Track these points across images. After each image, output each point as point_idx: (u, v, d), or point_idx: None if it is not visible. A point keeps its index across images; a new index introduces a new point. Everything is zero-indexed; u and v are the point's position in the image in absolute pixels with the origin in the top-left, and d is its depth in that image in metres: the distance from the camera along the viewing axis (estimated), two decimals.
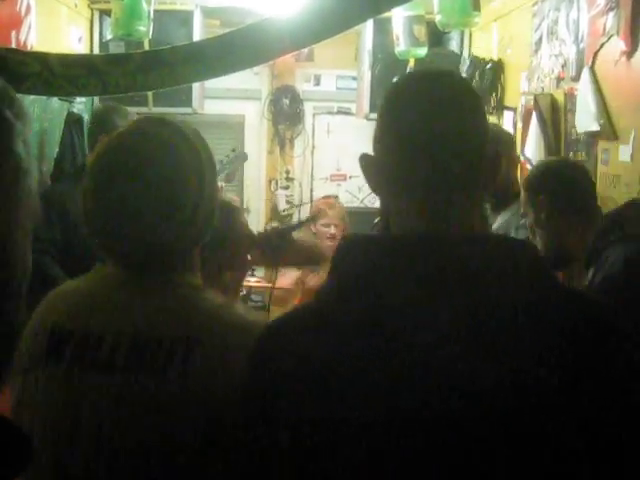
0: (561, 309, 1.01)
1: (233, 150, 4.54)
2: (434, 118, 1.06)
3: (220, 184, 3.71)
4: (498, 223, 3.17)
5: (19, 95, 0.71)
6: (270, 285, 4.41)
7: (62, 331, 1.32)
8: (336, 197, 5.32)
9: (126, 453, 1.25)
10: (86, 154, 3.77)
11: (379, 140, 1.13)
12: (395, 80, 1.23)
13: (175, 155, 1.32)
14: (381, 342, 0.96)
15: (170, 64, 2.08)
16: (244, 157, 4.27)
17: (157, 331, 1.27)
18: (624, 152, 2.55)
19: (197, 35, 4.39)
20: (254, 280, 3.97)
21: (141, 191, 1.29)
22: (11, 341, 0.70)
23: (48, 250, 3.22)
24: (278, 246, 2.79)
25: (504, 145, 3.17)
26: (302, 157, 5.69)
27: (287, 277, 4.58)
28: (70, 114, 3.98)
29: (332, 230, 4.55)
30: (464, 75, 4.43)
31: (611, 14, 2.66)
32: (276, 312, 4.97)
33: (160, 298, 1.32)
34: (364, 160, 1.15)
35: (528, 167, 3.38)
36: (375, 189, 1.14)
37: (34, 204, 0.70)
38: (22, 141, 0.67)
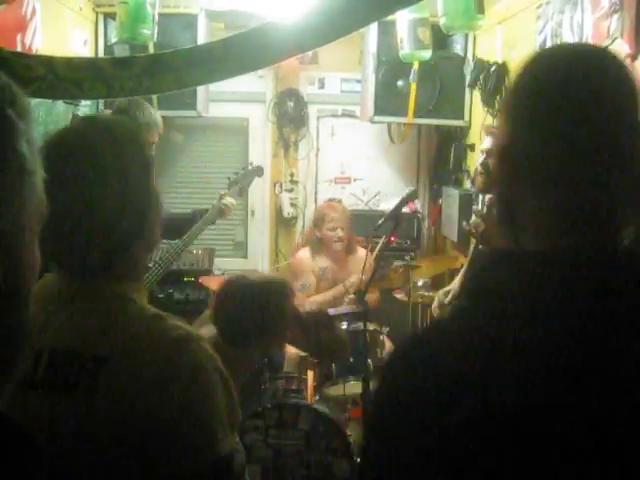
0: None
1: (250, 164, 4.45)
2: (589, 112, 0.91)
3: (223, 191, 3.71)
4: None
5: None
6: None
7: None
8: (339, 200, 5.34)
9: None
10: None
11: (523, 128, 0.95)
12: (542, 59, 0.98)
13: (95, 157, 1.31)
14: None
15: (175, 67, 2.09)
16: (259, 172, 4.18)
17: (72, 347, 1.26)
18: None
19: (201, 38, 4.40)
20: None
21: (63, 194, 1.25)
22: (22, 339, 0.70)
23: (47, 250, 3.22)
24: (319, 337, 2.84)
25: None
26: (306, 160, 5.69)
27: None
28: (75, 117, 4.00)
29: (339, 233, 4.56)
30: (468, 78, 4.45)
31: (615, 17, 2.66)
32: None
33: (83, 311, 1.30)
34: (506, 152, 0.97)
35: None
36: (504, 180, 0.98)
37: (41, 205, 0.70)
38: (26, 141, 0.66)
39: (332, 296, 4.48)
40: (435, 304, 3.91)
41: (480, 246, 3.25)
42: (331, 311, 3.58)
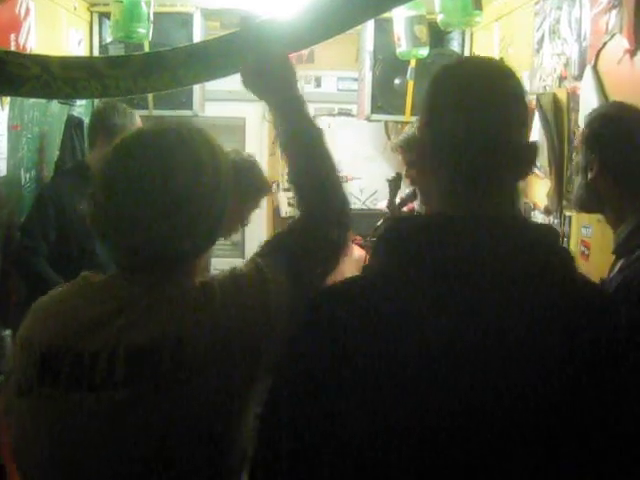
0: (578, 303, 1.07)
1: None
2: (479, 109, 1.12)
3: None
4: None
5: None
6: None
7: (54, 351, 1.26)
8: None
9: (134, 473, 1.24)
10: (86, 154, 3.76)
11: (428, 125, 1.18)
12: (443, 67, 1.24)
13: (194, 154, 1.31)
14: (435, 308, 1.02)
15: (171, 66, 2.06)
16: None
17: (147, 342, 1.24)
18: None
19: (197, 37, 4.38)
20: None
21: (140, 195, 1.27)
22: None
23: (39, 249, 3.21)
24: None
25: None
26: None
27: None
28: (70, 117, 3.98)
29: (358, 252, 4.51)
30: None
31: (614, 12, 2.64)
32: None
33: (150, 307, 1.28)
34: (419, 145, 1.21)
35: None
36: (421, 172, 1.23)
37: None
38: None
39: None
40: None
41: None
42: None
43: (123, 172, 1.30)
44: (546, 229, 1.17)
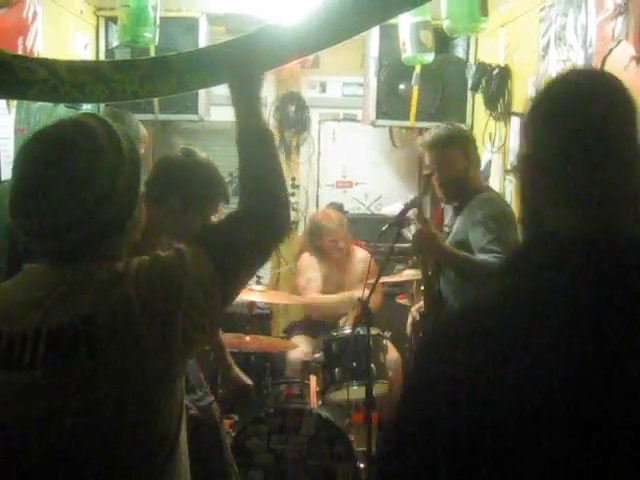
0: None
1: None
2: (593, 129, 1.09)
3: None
4: (456, 226, 3.17)
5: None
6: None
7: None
8: (336, 206, 5.30)
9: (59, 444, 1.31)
10: None
11: (540, 139, 1.14)
12: (558, 82, 1.20)
13: (92, 138, 1.38)
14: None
15: (177, 70, 2.07)
16: None
17: (65, 322, 1.31)
18: None
19: (202, 42, 4.40)
20: (259, 288, 3.95)
21: (53, 171, 1.34)
22: None
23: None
24: None
25: (463, 143, 3.18)
26: (308, 164, 5.68)
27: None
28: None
29: (340, 245, 4.53)
30: (470, 81, 4.43)
31: (620, 19, 2.65)
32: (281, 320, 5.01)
33: (72, 290, 1.35)
34: (528, 162, 1.15)
35: None
36: (531, 192, 1.15)
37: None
38: None
39: (336, 300, 4.46)
40: (409, 321, 3.84)
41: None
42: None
43: (26, 159, 1.40)
44: None
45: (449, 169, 3.16)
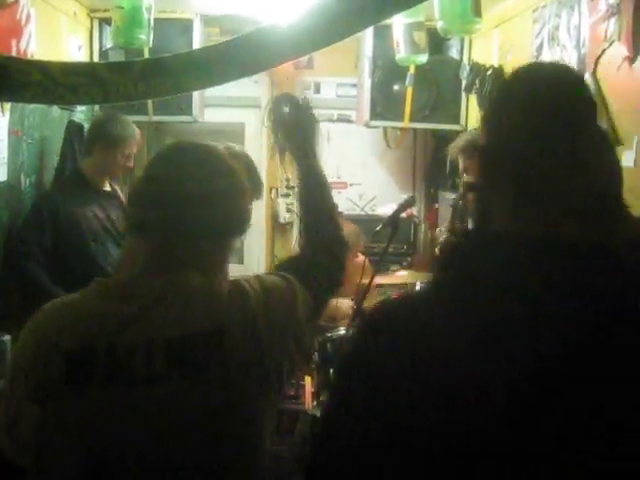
0: None
1: None
2: (557, 118, 1.05)
3: None
4: None
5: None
6: None
7: (81, 351, 1.29)
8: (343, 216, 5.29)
9: (181, 460, 1.29)
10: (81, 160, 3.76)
11: (497, 129, 1.10)
12: (511, 75, 1.16)
13: (221, 162, 1.47)
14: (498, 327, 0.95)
15: (172, 72, 2.07)
16: None
17: (186, 331, 1.31)
18: (627, 158, 2.54)
19: (197, 43, 4.40)
20: None
21: (181, 195, 1.38)
22: None
23: (33, 255, 3.21)
24: None
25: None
26: None
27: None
28: (71, 123, 3.98)
29: (359, 257, 4.43)
30: (464, 82, 4.44)
31: (612, 20, 2.66)
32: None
33: (180, 300, 1.35)
34: (486, 151, 1.12)
35: None
36: (484, 176, 1.13)
37: None
38: None
39: (336, 308, 4.44)
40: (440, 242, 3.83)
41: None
42: None
43: (169, 176, 1.43)
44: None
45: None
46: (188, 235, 1.38)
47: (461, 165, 3.29)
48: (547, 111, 1.05)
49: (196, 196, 1.38)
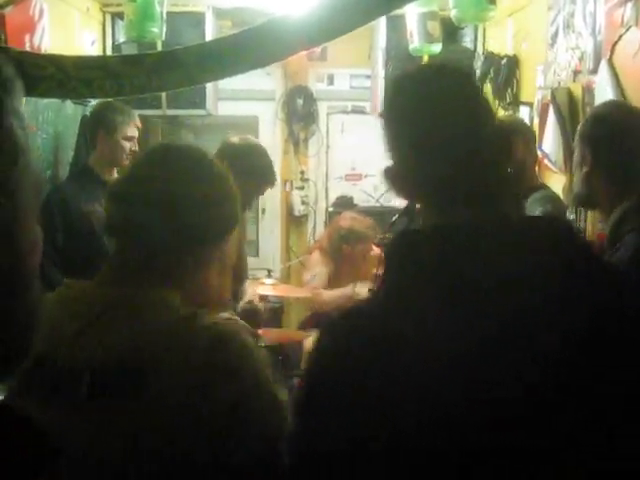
0: (595, 280, 1.04)
1: None
2: (442, 118, 1.11)
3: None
4: None
5: (28, 102, 0.68)
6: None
7: (40, 362, 1.22)
8: (347, 198, 5.27)
9: None
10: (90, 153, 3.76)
11: (393, 147, 1.19)
12: (393, 82, 1.25)
13: (216, 173, 1.36)
14: (460, 314, 0.99)
15: (185, 64, 2.07)
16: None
17: (113, 364, 1.20)
18: None
19: (209, 36, 4.39)
20: (270, 282, 3.95)
21: (146, 197, 1.29)
22: (29, 321, 0.66)
23: (47, 254, 3.22)
24: None
25: (525, 133, 3.14)
26: (317, 157, 5.67)
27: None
28: (84, 117, 3.99)
29: (374, 250, 4.39)
30: (478, 71, 4.41)
31: (629, 5, 2.62)
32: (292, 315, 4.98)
33: (118, 324, 1.24)
34: (388, 173, 1.21)
35: (546, 162, 3.34)
36: (399, 194, 1.21)
37: (36, 181, 0.67)
38: (15, 117, 0.63)
39: (344, 294, 4.43)
40: None
41: None
42: None
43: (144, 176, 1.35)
44: (549, 221, 1.19)
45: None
46: (163, 241, 1.28)
47: None
48: (428, 118, 1.12)
49: (179, 200, 1.29)
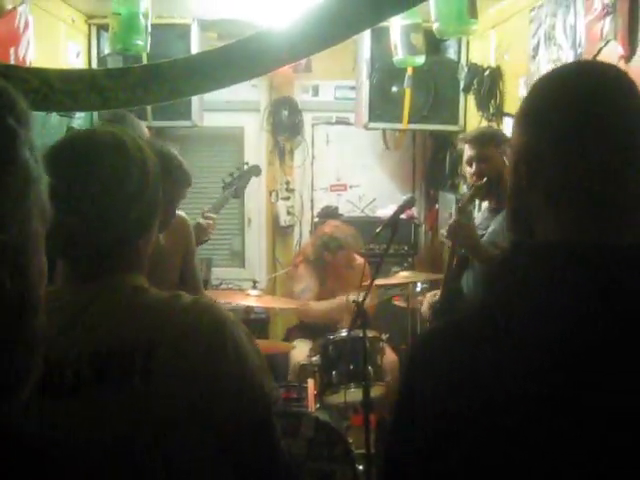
0: None
1: (246, 163, 4.52)
2: (591, 121, 0.99)
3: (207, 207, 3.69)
4: (492, 227, 3.18)
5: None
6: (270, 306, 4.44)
7: None
8: (332, 208, 5.29)
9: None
10: None
11: (535, 146, 1.03)
12: (542, 81, 1.08)
13: (118, 140, 1.34)
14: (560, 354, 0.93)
15: (170, 77, 2.08)
16: (257, 171, 4.26)
17: (113, 344, 1.24)
18: None
19: (195, 48, 4.41)
20: (255, 293, 3.96)
21: (83, 179, 1.29)
22: (35, 349, 0.68)
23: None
24: None
25: (504, 143, 3.20)
26: (302, 168, 5.69)
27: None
28: (70, 129, 3.99)
29: (359, 260, 4.44)
30: (462, 82, 4.45)
31: (608, 19, 2.67)
32: (278, 324, 4.98)
33: (108, 308, 1.29)
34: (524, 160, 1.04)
35: None
36: (521, 191, 1.05)
37: (45, 211, 0.68)
38: (28, 148, 0.65)
39: (332, 306, 4.45)
40: (425, 307, 3.82)
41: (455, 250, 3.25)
42: None
43: (70, 160, 1.33)
44: None
45: (488, 164, 3.20)
46: (115, 233, 1.31)
47: (466, 155, 3.29)
48: (589, 115, 0.99)
49: (106, 192, 1.29)
